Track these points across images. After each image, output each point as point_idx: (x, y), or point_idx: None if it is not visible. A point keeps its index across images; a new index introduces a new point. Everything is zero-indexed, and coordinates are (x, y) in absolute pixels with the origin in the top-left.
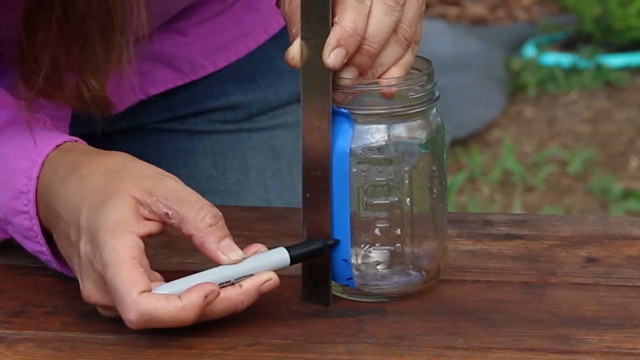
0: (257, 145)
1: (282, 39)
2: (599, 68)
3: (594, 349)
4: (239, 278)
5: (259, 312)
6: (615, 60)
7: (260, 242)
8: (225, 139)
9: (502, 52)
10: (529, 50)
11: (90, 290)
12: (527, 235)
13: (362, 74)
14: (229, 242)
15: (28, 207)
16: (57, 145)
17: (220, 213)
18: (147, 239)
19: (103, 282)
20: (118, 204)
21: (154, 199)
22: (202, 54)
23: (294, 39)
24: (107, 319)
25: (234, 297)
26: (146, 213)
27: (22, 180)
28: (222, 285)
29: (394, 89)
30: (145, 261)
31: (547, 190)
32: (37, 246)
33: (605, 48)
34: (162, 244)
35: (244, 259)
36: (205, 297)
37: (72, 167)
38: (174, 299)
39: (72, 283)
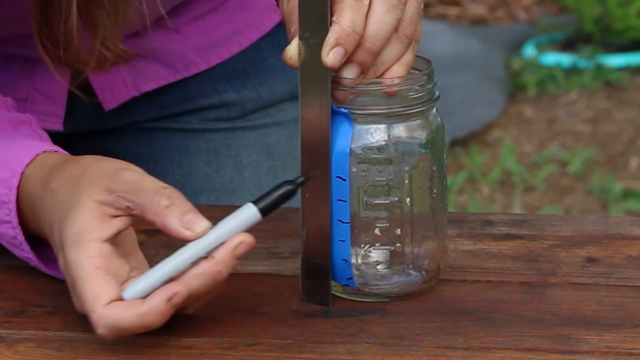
0: (251, 144)
1: (274, 37)
2: (599, 68)
3: (594, 349)
4: (213, 250)
5: (259, 312)
6: (615, 60)
7: (260, 243)
8: (219, 137)
9: (502, 52)
10: (529, 50)
11: (76, 304)
12: (527, 235)
13: (363, 71)
14: (191, 217)
15: (10, 216)
16: (36, 155)
17: (177, 192)
18: (118, 237)
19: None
20: (79, 213)
21: (115, 195)
22: (194, 51)
23: (292, 38)
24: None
25: (209, 269)
26: (112, 211)
27: (3, 189)
28: (195, 262)
29: (395, 88)
30: (115, 263)
31: (547, 190)
32: (23, 253)
33: (605, 48)
34: (162, 243)
35: (211, 228)
36: (169, 300)
37: (44, 182)
38: (137, 305)
39: None
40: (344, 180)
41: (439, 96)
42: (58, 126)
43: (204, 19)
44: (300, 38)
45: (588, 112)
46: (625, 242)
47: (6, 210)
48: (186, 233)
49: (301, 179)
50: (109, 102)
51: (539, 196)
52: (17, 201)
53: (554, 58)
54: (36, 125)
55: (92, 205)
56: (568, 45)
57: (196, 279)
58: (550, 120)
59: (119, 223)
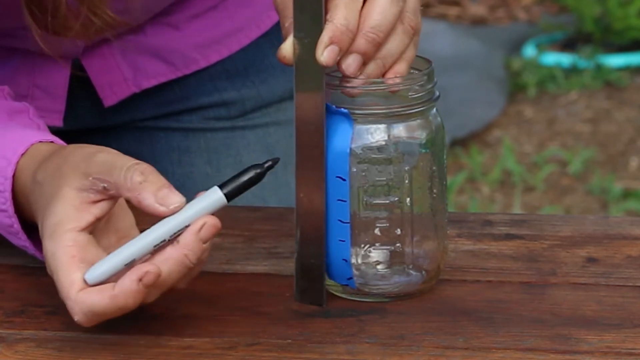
0: (251, 143)
1: (274, 35)
2: (599, 68)
3: (594, 349)
4: (176, 233)
5: (259, 312)
6: (615, 60)
7: (260, 243)
8: (219, 136)
9: (502, 52)
10: (529, 50)
11: (60, 295)
12: (527, 235)
13: (365, 62)
14: (165, 192)
15: (6, 205)
16: (31, 145)
17: (150, 167)
18: (97, 223)
19: None
20: (58, 204)
21: (91, 178)
22: (194, 49)
23: (286, 34)
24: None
25: (175, 253)
26: (91, 196)
27: None
28: (158, 245)
29: (395, 87)
30: (92, 252)
31: (547, 190)
32: (20, 241)
33: (605, 48)
34: None
35: (186, 204)
36: (140, 280)
37: (33, 175)
38: (108, 288)
39: None
40: (344, 180)
41: (439, 96)
42: (58, 122)
43: (204, 16)
44: (294, 37)
45: (588, 112)
46: (625, 242)
47: (2, 199)
48: (161, 209)
49: (269, 163)
50: (109, 98)
51: (539, 196)
52: (13, 190)
53: (554, 58)
54: (34, 114)
55: (71, 195)
56: (568, 45)
57: (163, 265)
58: (550, 120)
59: (96, 210)
